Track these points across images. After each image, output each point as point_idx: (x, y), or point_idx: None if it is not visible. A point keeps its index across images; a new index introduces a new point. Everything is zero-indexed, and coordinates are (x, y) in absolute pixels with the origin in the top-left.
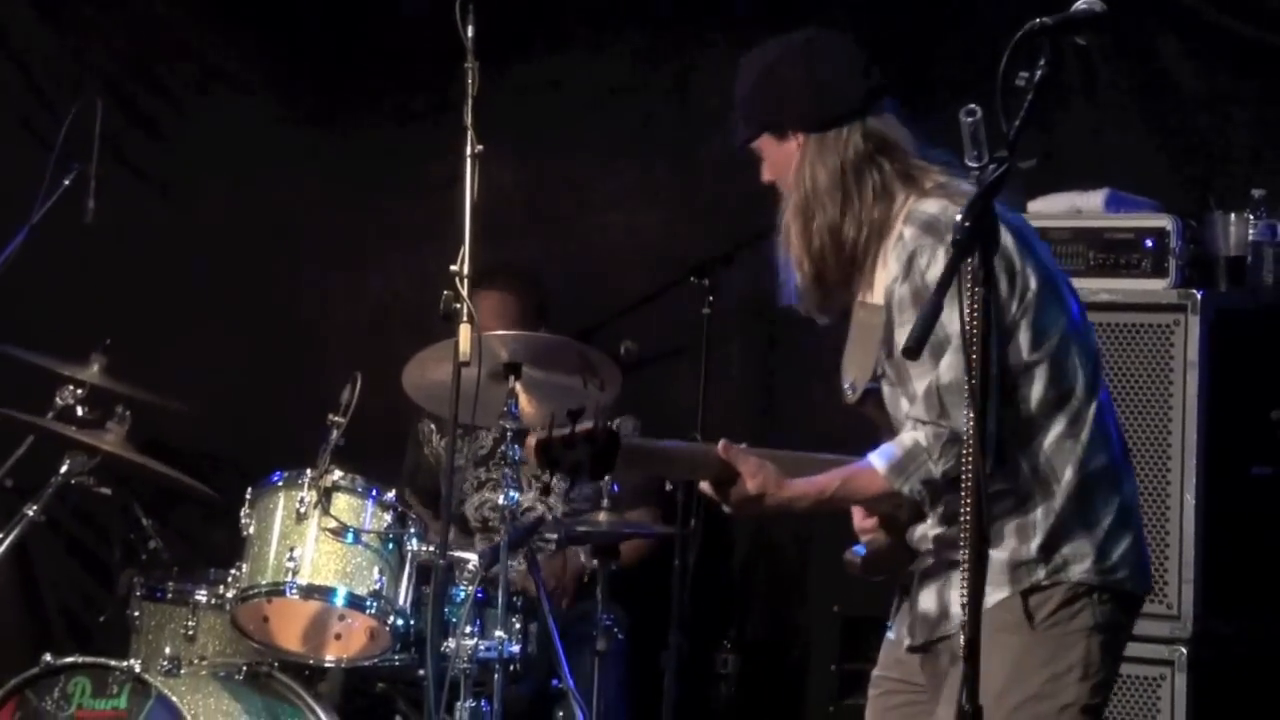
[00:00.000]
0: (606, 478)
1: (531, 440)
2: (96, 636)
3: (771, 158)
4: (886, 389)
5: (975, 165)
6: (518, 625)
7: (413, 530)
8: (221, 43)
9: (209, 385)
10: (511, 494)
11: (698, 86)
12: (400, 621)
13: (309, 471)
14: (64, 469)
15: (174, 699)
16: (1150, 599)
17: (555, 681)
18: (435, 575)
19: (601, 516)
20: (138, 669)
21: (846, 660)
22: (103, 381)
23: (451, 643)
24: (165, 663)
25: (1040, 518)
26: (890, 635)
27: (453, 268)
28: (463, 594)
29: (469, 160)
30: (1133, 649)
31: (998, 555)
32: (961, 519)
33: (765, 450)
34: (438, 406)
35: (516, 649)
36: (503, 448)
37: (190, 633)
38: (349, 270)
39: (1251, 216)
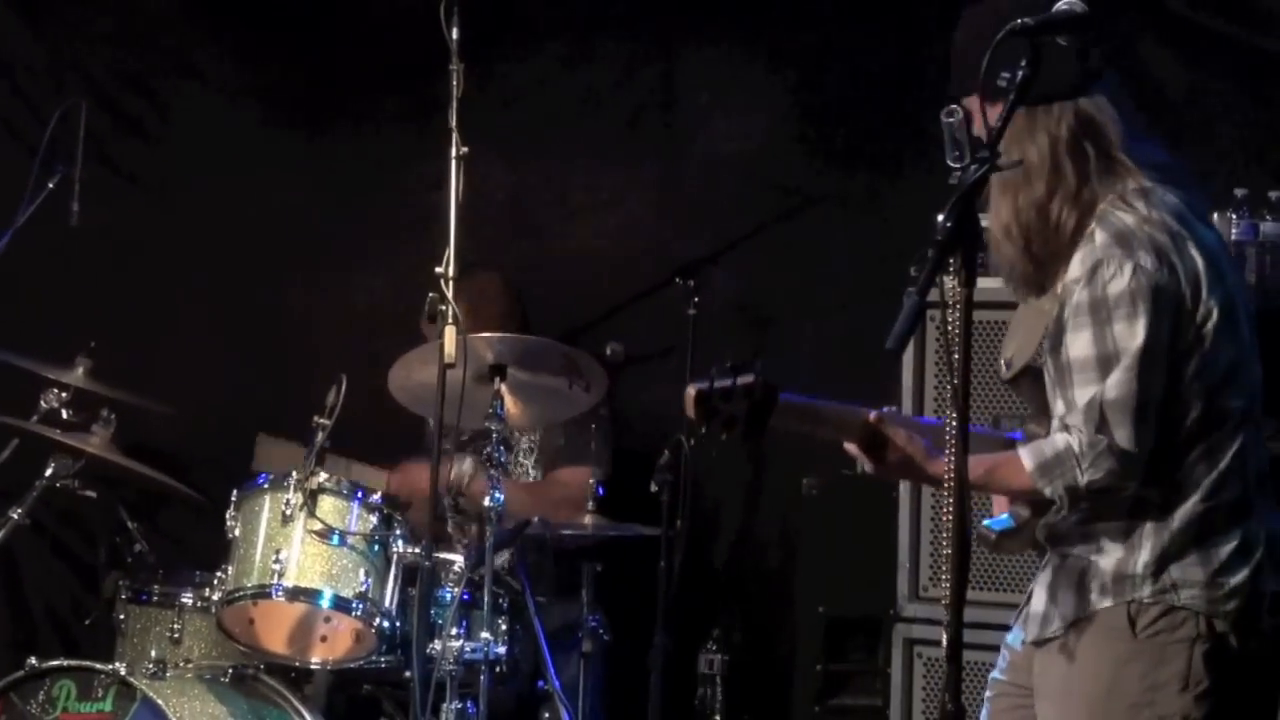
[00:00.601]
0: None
1: (691, 390)
2: (82, 640)
3: (980, 118)
4: (1047, 380)
5: (956, 165)
6: (504, 626)
7: (398, 532)
8: (206, 45)
9: (194, 388)
10: (497, 495)
11: (683, 87)
12: (386, 623)
13: (294, 474)
14: (49, 472)
15: (159, 702)
16: None
17: (541, 683)
18: (421, 577)
19: (587, 519)
20: (123, 672)
21: (831, 661)
22: (87, 384)
23: (437, 644)
24: (151, 665)
25: (1151, 534)
26: (1009, 637)
27: (438, 269)
28: (449, 595)
29: (454, 162)
30: None
31: (1103, 563)
32: (946, 516)
33: (914, 421)
34: (423, 408)
35: (502, 650)
36: (488, 449)
37: (176, 635)
38: (334, 272)
39: (1234, 216)
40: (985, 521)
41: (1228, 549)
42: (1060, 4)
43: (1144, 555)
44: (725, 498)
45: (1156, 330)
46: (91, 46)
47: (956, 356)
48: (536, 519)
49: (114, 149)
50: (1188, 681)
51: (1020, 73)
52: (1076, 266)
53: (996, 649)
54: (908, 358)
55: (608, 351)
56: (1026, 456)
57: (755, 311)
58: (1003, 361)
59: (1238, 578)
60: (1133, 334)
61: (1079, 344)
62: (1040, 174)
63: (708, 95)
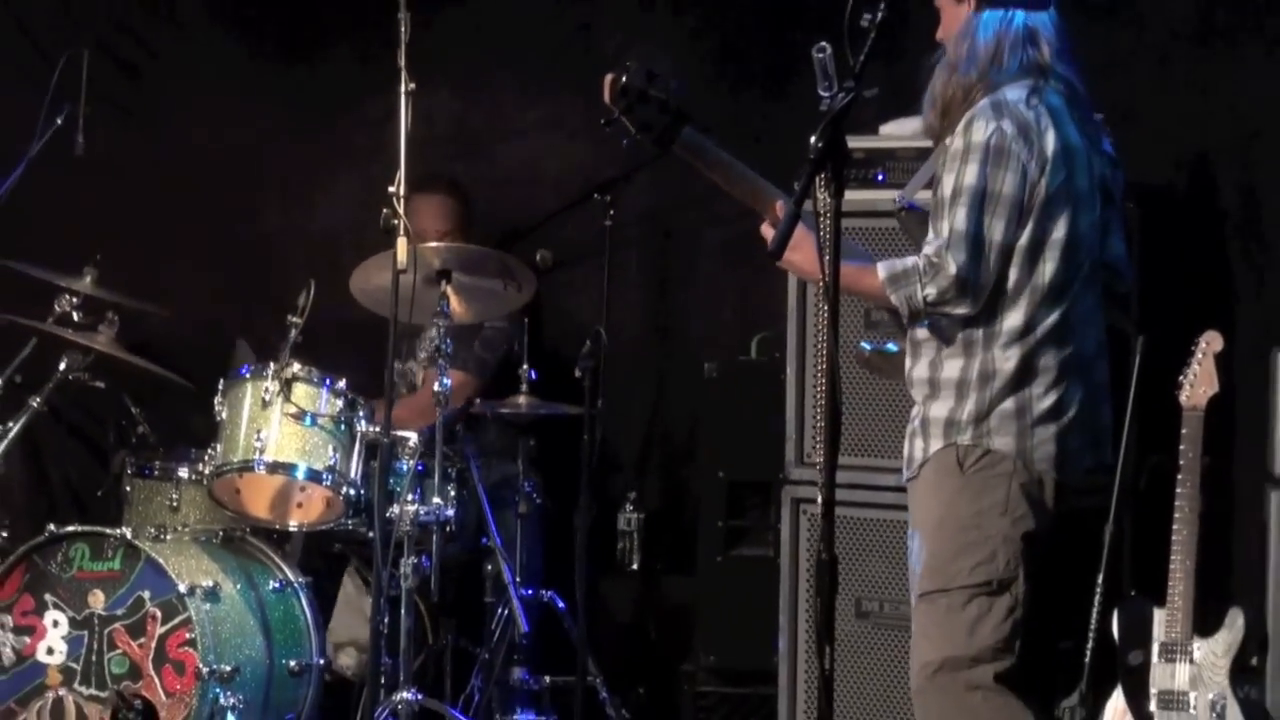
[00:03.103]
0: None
1: (610, 77)
2: (94, 509)
3: (946, 17)
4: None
5: (826, 94)
6: (452, 493)
7: (361, 414)
8: None
9: (186, 292)
10: (445, 380)
11: (599, 32)
12: (352, 491)
13: (272, 365)
14: (63, 366)
15: (160, 560)
16: None
17: (484, 540)
18: (381, 451)
19: (521, 400)
20: (129, 535)
21: (730, 518)
22: (95, 291)
23: (396, 509)
24: (153, 530)
25: (976, 388)
26: None
27: (390, 189)
28: (405, 467)
29: (403, 96)
30: None
31: (937, 411)
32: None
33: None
34: (380, 308)
35: (451, 513)
36: (436, 341)
37: (174, 504)
38: (304, 191)
39: None
40: (863, 342)
41: (1041, 408)
42: None
43: (969, 406)
44: (639, 381)
45: (996, 178)
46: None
47: (828, 257)
48: (478, 400)
49: (112, 88)
50: (1006, 507)
51: (879, 14)
52: (959, 123)
53: (867, 505)
54: None
55: (537, 258)
56: (882, 267)
57: (662, 222)
58: (895, 196)
59: (1047, 433)
60: (978, 176)
61: (945, 183)
62: (978, 64)
63: (621, 36)
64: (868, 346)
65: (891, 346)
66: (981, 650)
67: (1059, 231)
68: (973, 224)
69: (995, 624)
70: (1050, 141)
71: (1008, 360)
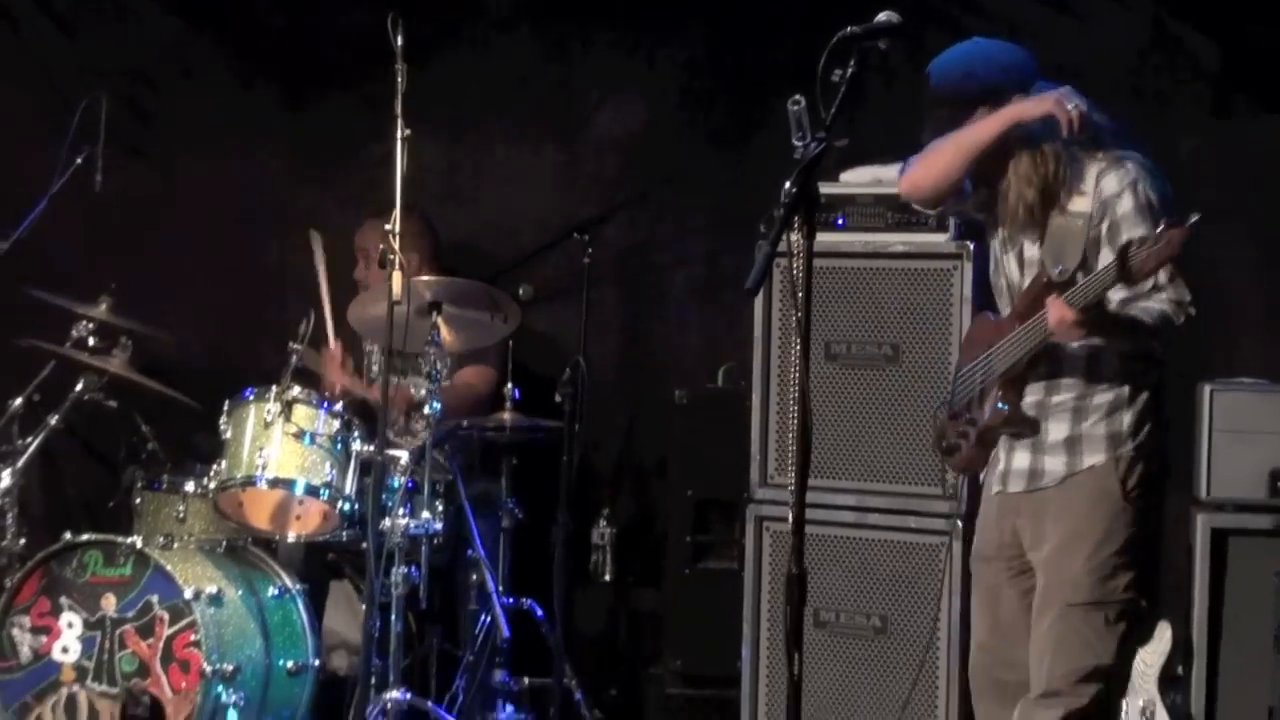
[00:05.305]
0: None
1: None
2: (106, 519)
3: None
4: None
5: (800, 143)
6: (440, 508)
7: (356, 434)
8: (202, 44)
9: (195, 321)
10: (435, 404)
11: (579, 83)
12: (347, 505)
13: (274, 388)
14: (79, 387)
15: (168, 567)
16: (932, 484)
17: (469, 551)
18: (375, 469)
19: (506, 415)
20: (139, 544)
21: (698, 533)
22: (109, 318)
23: (388, 521)
24: (162, 539)
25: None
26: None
27: (386, 226)
28: (396, 483)
29: (399, 143)
30: (921, 522)
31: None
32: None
33: None
34: (375, 336)
35: (439, 526)
36: (427, 368)
37: (181, 516)
38: (301, 228)
39: None
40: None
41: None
42: (880, 15)
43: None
44: (614, 406)
45: None
46: (109, 49)
47: (800, 294)
48: (465, 422)
49: (127, 130)
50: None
51: (849, 70)
52: (1114, 183)
53: (824, 524)
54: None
55: (520, 291)
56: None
57: (637, 261)
58: (1052, 270)
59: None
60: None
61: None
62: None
63: (598, 91)
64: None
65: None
66: None
67: None
68: None
69: None
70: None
71: None
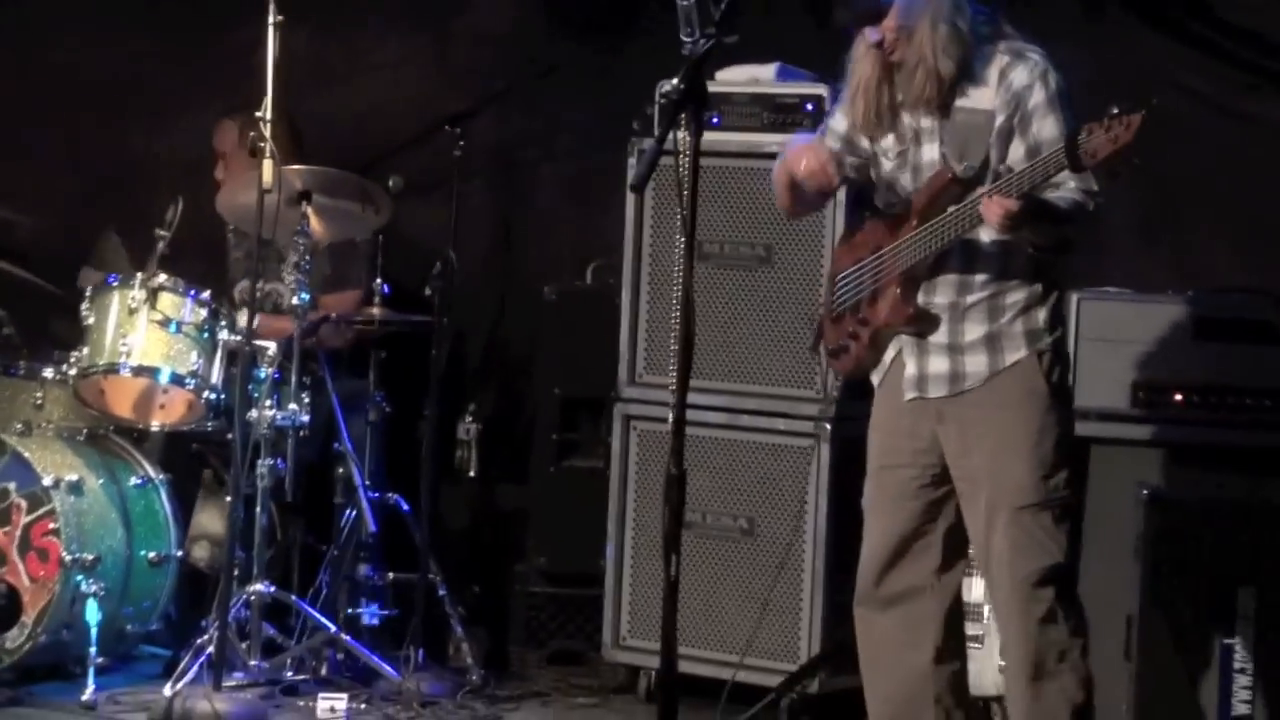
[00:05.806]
0: None
1: None
2: None
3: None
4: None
5: (689, 39)
6: (306, 400)
7: (223, 323)
8: None
9: (59, 206)
10: (304, 295)
11: None
12: (213, 395)
13: (139, 275)
14: None
15: (26, 454)
16: (802, 386)
17: (336, 445)
18: (241, 358)
19: (375, 311)
20: None
21: (564, 431)
22: None
23: (254, 413)
24: (19, 425)
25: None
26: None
27: (258, 114)
28: (263, 374)
29: (271, 28)
30: (789, 424)
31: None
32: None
33: None
34: (246, 224)
35: (306, 419)
36: (296, 258)
37: (39, 403)
38: (174, 114)
39: None
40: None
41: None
42: None
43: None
44: (483, 302)
45: None
46: None
47: (686, 193)
48: (334, 315)
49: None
50: None
51: None
52: (1024, 75)
53: (697, 424)
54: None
55: (390, 183)
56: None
57: (508, 155)
58: (956, 166)
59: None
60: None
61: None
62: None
63: None
64: None
65: None
66: None
67: None
68: None
69: None
70: None
71: None
